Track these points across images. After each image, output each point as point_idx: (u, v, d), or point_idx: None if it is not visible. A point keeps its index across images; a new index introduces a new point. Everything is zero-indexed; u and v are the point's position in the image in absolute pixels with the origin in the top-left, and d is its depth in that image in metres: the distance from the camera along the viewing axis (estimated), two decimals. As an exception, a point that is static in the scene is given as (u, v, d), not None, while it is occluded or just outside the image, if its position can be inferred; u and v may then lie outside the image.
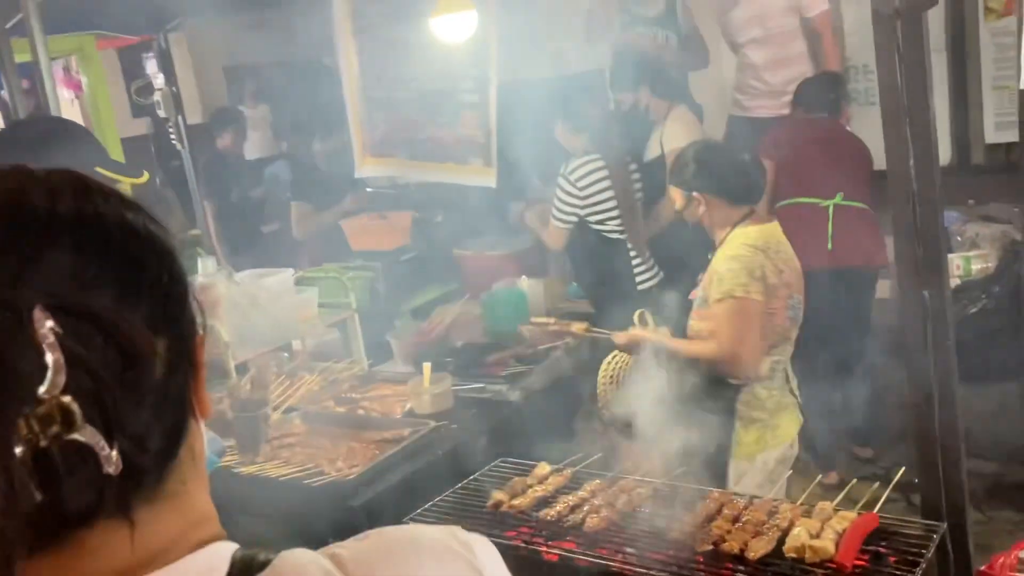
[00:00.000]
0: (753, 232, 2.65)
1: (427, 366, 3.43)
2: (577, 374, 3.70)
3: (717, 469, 2.58)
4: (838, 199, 3.88)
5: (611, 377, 2.95)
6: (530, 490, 2.34)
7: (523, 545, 2.12)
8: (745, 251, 2.60)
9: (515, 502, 2.28)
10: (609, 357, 3.01)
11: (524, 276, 4.72)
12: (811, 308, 3.88)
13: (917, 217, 1.86)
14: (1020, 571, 2.22)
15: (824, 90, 4.22)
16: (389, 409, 3.40)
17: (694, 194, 2.69)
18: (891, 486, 2.07)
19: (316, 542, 0.77)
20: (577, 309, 4.61)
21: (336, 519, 2.79)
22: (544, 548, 2.09)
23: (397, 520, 2.39)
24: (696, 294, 2.79)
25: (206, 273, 4.23)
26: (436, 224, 5.37)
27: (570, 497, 2.27)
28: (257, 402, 3.00)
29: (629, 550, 2.02)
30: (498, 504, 2.29)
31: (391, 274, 5.10)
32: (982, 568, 2.18)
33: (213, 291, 4.12)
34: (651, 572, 1.92)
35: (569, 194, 4.22)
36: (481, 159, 3.96)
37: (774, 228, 2.74)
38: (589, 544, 2.09)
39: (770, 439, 2.63)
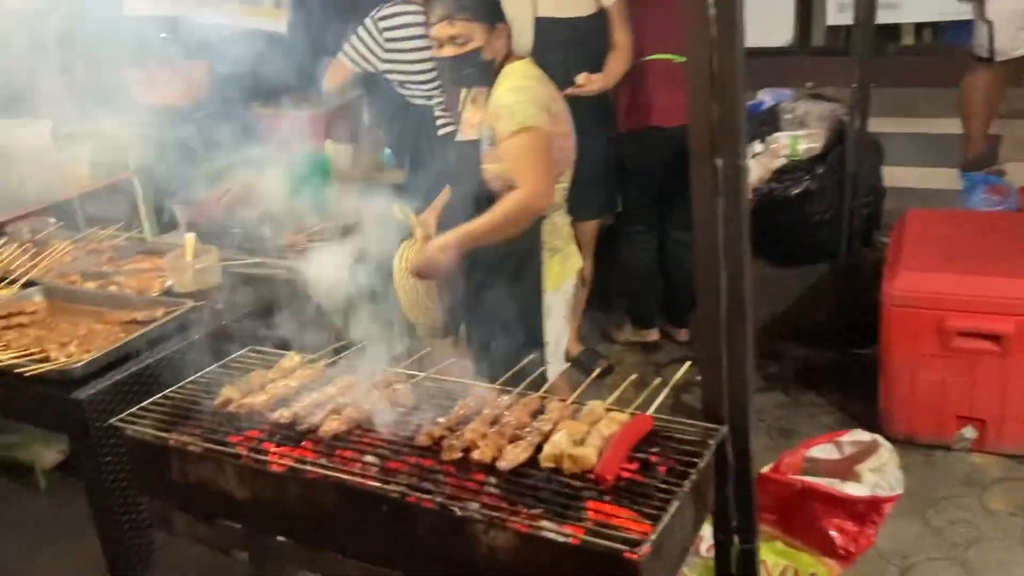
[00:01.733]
0: (525, 64, 2.65)
1: (189, 237, 2.97)
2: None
3: (530, 332, 2.54)
4: None
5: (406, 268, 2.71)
6: (270, 385, 1.99)
7: (245, 453, 1.77)
8: (527, 82, 2.58)
9: (247, 400, 1.92)
10: (401, 249, 2.71)
11: (330, 140, 4.25)
12: (667, 166, 3.76)
13: (715, 74, 1.55)
14: (806, 472, 2.07)
15: None
16: (146, 286, 2.95)
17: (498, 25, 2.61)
18: (673, 381, 1.83)
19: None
20: (391, 180, 4.22)
21: (56, 414, 2.38)
22: (271, 457, 1.75)
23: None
24: (468, 133, 2.72)
25: (-60, 119, 3.56)
26: (236, 78, 4.76)
27: (315, 395, 1.93)
28: None
29: (368, 459, 1.71)
30: (227, 402, 1.92)
31: (181, 132, 4.50)
32: (765, 471, 2.00)
33: (-51, 140, 3.47)
34: (387, 487, 1.62)
35: (371, 38, 3.77)
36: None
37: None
38: (325, 452, 1.76)
39: (568, 267, 2.75)
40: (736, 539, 1.83)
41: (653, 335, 4.17)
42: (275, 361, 2.14)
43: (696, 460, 1.64)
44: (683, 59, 3.65)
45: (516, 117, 2.48)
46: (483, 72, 2.60)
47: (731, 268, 1.65)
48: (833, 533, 2.06)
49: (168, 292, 2.85)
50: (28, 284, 2.99)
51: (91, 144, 4.22)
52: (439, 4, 2.59)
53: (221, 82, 4.72)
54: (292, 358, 2.10)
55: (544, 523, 1.51)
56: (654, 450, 1.70)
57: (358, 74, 3.90)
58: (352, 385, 1.95)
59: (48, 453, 3.62)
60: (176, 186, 4.31)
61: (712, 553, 1.88)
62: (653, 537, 1.43)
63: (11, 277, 3.02)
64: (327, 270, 3.13)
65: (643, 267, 4.03)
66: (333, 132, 4.43)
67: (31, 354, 2.45)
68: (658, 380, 1.88)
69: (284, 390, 1.97)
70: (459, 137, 2.82)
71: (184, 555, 2.28)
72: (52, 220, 3.72)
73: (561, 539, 1.47)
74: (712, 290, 1.66)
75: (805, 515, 2.06)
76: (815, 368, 3.86)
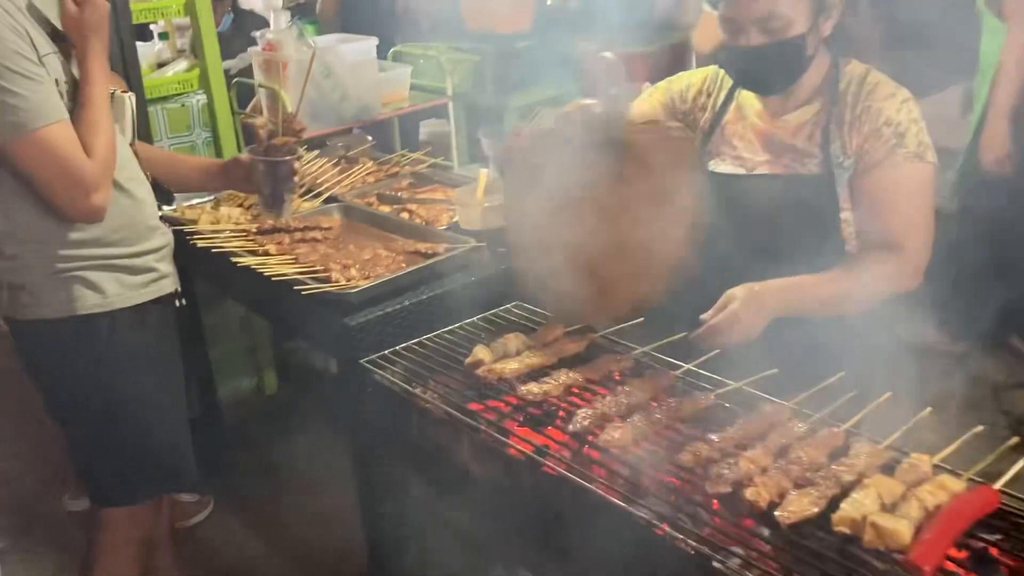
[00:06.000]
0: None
1: (483, 173, 2.81)
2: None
3: None
4: None
5: None
6: (527, 353, 1.76)
7: (483, 427, 1.56)
8: (910, 94, 1.85)
9: (499, 366, 1.70)
10: None
11: (647, 83, 3.92)
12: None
13: None
14: None
15: None
16: (435, 217, 2.85)
17: None
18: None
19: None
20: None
21: (327, 335, 2.35)
22: (511, 439, 1.53)
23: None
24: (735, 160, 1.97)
25: (276, 30, 3.71)
26: (566, 10, 4.56)
27: (573, 375, 1.67)
28: (283, 149, 2.51)
29: (620, 468, 1.43)
30: (478, 364, 1.73)
31: (502, 62, 4.40)
32: None
33: (280, 51, 3.60)
34: (634, 511, 1.33)
35: None
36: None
37: None
38: (571, 446, 1.51)
39: None
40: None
41: None
42: (539, 324, 1.91)
43: (1058, 568, 1.18)
44: None
45: (911, 141, 1.81)
46: (798, 71, 1.87)
47: None
48: None
49: (455, 227, 2.74)
50: (330, 200, 3.02)
51: (411, 66, 4.26)
52: None
53: (548, 13, 4.57)
54: (556, 327, 1.85)
55: (824, 607, 1.15)
56: (995, 538, 1.25)
57: None
58: (616, 369, 1.67)
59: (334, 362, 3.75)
60: (489, 116, 4.24)
61: None
62: (981, 675, 1.03)
63: (317, 190, 3.07)
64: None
65: None
66: (653, 75, 4.10)
67: (315, 271, 2.44)
68: (1014, 440, 1.41)
69: (540, 360, 1.73)
70: (716, 167, 2.04)
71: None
72: (369, 138, 3.78)
73: (844, 636, 1.11)
74: None
75: None
76: None
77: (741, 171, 1.98)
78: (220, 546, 3.01)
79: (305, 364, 4.04)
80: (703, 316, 1.71)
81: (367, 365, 1.79)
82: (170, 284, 2.16)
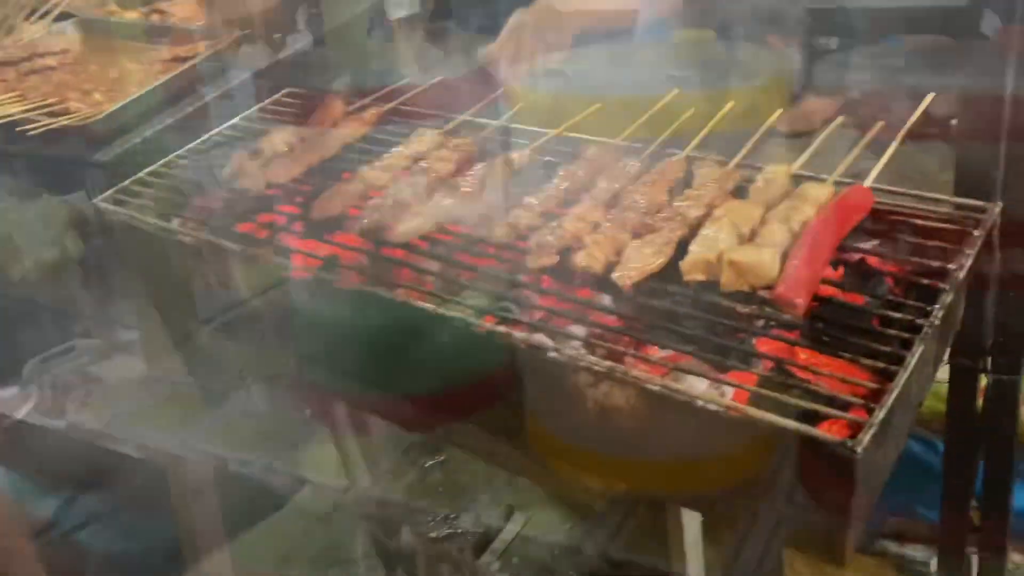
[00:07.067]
0: None
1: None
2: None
3: None
4: None
5: None
6: (300, 147, 1.41)
7: (257, 251, 1.23)
8: None
9: (271, 172, 1.35)
10: None
11: None
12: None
13: None
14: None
15: None
16: (195, 14, 2.37)
17: None
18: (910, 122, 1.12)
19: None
20: None
21: (77, 179, 1.94)
22: (293, 259, 1.21)
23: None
24: None
25: None
26: None
27: (379, 159, 1.35)
28: None
29: (427, 264, 1.14)
30: (239, 172, 1.37)
31: None
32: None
33: None
34: (445, 309, 1.06)
35: None
36: None
37: None
38: (367, 250, 1.21)
39: None
40: (989, 366, 1.20)
41: None
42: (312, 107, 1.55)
43: (949, 265, 0.97)
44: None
45: None
46: None
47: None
48: None
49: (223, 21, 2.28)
50: (64, 18, 2.49)
51: None
52: None
53: None
54: (335, 104, 1.50)
55: (686, 376, 0.92)
56: (871, 245, 1.04)
57: None
58: (425, 146, 1.35)
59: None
60: None
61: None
62: (880, 416, 0.82)
63: (44, 9, 2.52)
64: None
65: None
66: None
67: (49, 105, 1.98)
68: (879, 124, 1.18)
69: (320, 153, 1.39)
70: None
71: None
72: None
73: (712, 407, 0.89)
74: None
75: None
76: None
77: None
78: (49, 438, 2.67)
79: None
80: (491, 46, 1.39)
81: (103, 205, 1.42)
82: None
